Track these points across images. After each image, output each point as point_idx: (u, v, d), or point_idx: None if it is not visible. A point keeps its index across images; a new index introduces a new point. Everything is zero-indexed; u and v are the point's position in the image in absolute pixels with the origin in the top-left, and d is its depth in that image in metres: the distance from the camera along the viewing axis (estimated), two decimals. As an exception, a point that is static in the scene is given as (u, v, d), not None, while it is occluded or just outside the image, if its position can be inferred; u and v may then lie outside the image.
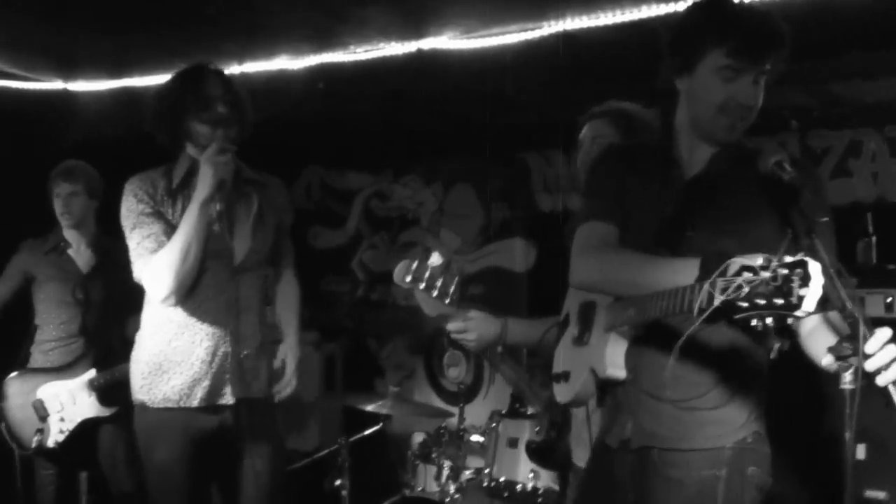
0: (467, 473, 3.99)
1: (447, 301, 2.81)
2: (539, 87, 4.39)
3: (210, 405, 2.93)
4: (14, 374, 4.10)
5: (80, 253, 4.21)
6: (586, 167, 2.87)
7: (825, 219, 1.97)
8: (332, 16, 4.21)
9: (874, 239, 3.82)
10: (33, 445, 3.98)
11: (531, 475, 3.68)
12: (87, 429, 4.05)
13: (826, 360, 1.86)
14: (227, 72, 3.12)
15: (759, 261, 1.66)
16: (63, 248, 4.18)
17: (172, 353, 2.95)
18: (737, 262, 1.71)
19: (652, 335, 2.16)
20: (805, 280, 1.60)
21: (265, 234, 3.10)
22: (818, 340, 1.96)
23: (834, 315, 1.92)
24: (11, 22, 4.36)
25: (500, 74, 4.32)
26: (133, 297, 3.18)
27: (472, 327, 2.87)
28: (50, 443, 3.99)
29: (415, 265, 2.80)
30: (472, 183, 5.66)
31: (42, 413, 4.00)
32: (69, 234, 4.21)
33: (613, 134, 2.87)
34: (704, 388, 2.16)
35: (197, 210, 2.86)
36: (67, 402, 4.03)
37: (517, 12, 4.05)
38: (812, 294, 1.60)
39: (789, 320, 1.65)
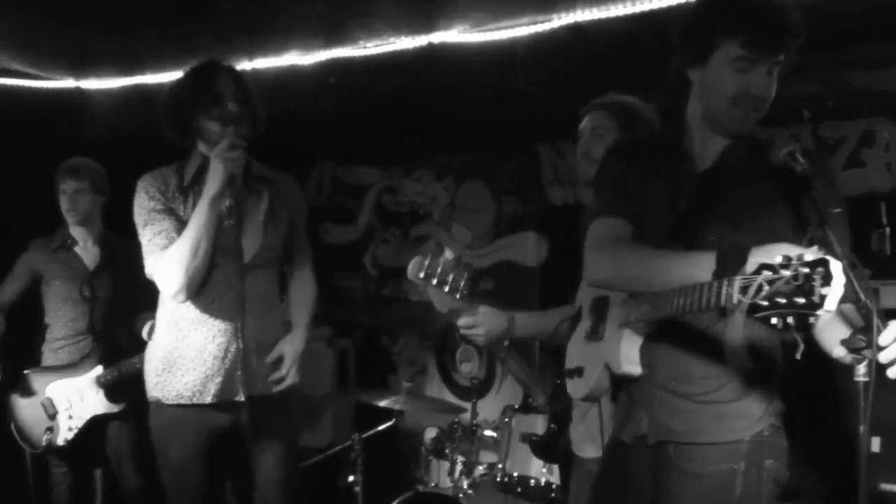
0: (480, 469, 4.00)
1: (457, 296, 2.83)
2: (550, 79, 4.38)
3: (223, 402, 2.94)
4: (23, 373, 4.12)
5: (86, 250, 4.23)
6: (586, 158, 2.90)
7: (838, 210, 1.95)
8: (342, 11, 4.21)
9: (888, 230, 3.79)
10: (43, 444, 4.00)
11: (544, 470, 3.68)
12: (97, 426, 4.07)
13: (838, 352, 1.84)
14: (237, 68, 3.12)
15: (778, 259, 1.64)
16: (70, 245, 4.20)
17: (185, 350, 2.96)
18: (756, 259, 1.70)
19: (667, 330, 2.15)
20: (827, 279, 1.59)
21: (277, 231, 3.09)
22: (831, 332, 1.95)
23: (848, 307, 1.90)
24: (23, 21, 4.37)
25: (510, 68, 4.30)
26: (141, 294, 3.20)
27: (480, 322, 2.89)
28: (60, 441, 4.02)
29: (427, 261, 2.84)
30: (483, 177, 5.65)
31: (51, 411, 4.02)
32: (75, 231, 4.22)
33: (613, 126, 2.89)
34: (722, 381, 2.15)
35: (207, 206, 2.86)
36: (75, 399, 4.05)
37: (527, 5, 4.03)
38: (834, 293, 1.59)
39: (810, 319, 1.63)
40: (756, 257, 1.80)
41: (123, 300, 4.16)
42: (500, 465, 3.93)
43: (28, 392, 4.10)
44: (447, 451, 4.12)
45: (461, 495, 3.92)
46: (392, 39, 4.47)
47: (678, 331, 2.14)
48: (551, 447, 3.04)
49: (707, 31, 2.12)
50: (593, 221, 2.31)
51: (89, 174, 4.18)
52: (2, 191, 4.80)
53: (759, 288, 1.65)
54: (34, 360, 4.18)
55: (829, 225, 1.85)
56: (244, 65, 4.61)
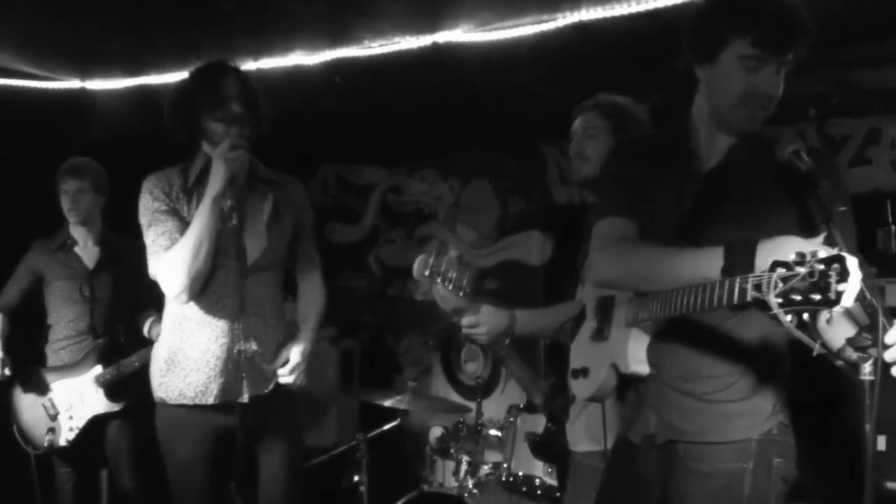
0: (485, 468, 4.00)
1: (461, 294, 2.85)
2: (555, 78, 4.37)
3: (226, 402, 2.94)
4: (24, 374, 4.12)
5: (86, 250, 4.23)
6: (578, 158, 2.92)
7: (843, 208, 1.95)
8: (346, 11, 4.21)
9: (894, 227, 3.78)
10: (45, 445, 4.01)
11: (549, 470, 3.67)
12: (98, 425, 4.08)
13: (842, 351, 1.84)
14: (243, 68, 3.12)
15: (792, 256, 1.64)
16: (70, 245, 4.21)
17: (189, 350, 2.96)
18: (768, 255, 1.70)
19: (675, 329, 2.15)
20: (843, 275, 1.59)
21: (281, 234, 3.09)
22: (836, 331, 1.94)
23: (853, 305, 1.89)
24: (29, 22, 4.38)
25: (515, 67, 4.30)
26: (144, 293, 3.20)
27: (482, 321, 2.91)
28: (62, 441, 4.03)
29: (431, 259, 2.89)
30: (488, 176, 5.65)
31: (52, 412, 4.03)
32: (76, 231, 4.23)
33: (605, 126, 2.93)
34: (731, 379, 2.14)
35: (209, 206, 2.86)
36: (76, 399, 4.06)
37: (532, 4, 4.03)
38: (851, 289, 1.59)
39: (826, 315, 1.63)
40: (764, 252, 1.80)
41: (124, 299, 4.17)
42: (505, 465, 3.92)
43: (28, 393, 4.11)
44: (452, 450, 4.12)
45: (466, 495, 3.92)
46: (397, 39, 4.47)
47: (687, 329, 2.13)
48: (549, 447, 3.05)
49: (716, 28, 2.11)
50: (598, 221, 2.30)
51: (90, 174, 4.19)
52: (7, 191, 4.81)
53: (774, 285, 1.64)
54: (38, 361, 4.18)
55: (835, 223, 1.84)
56: (249, 65, 4.62)
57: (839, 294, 1.58)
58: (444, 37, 4.36)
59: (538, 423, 3.64)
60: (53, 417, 4.03)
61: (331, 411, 5.50)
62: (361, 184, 6.13)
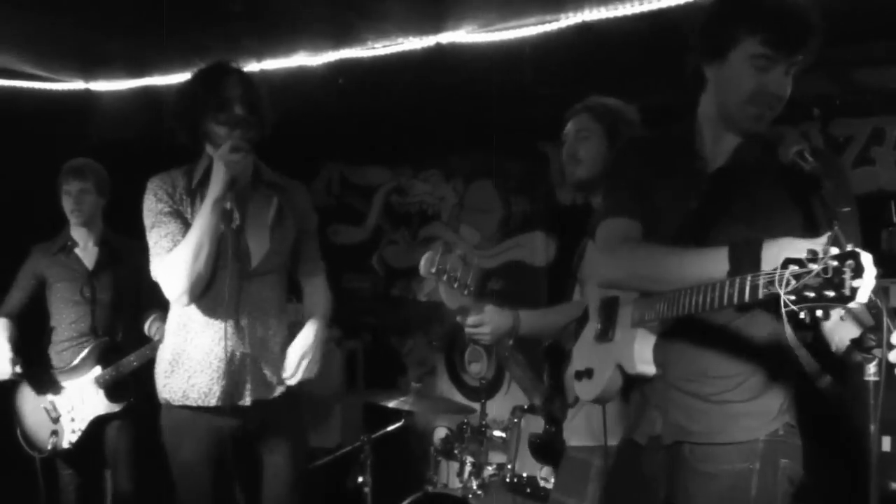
0: (490, 469, 4.00)
1: (465, 292, 2.86)
2: (558, 79, 4.37)
3: (229, 405, 2.93)
4: (34, 375, 4.13)
5: (87, 251, 4.23)
6: (571, 160, 2.93)
7: (848, 209, 1.94)
8: (350, 12, 4.21)
9: (898, 228, 3.78)
10: (49, 448, 4.01)
11: (544, 478, 3.68)
12: (101, 426, 4.07)
13: (846, 351, 1.84)
14: (246, 69, 3.11)
15: (804, 253, 1.64)
16: (70, 247, 4.21)
17: (193, 352, 2.96)
18: (775, 253, 1.70)
19: (682, 329, 2.14)
20: (858, 271, 1.58)
21: (284, 237, 3.09)
22: (841, 331, 1.94)
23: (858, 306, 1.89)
24: (34, 24, 4.39)
25: (518, 67, 4.30)
26: (145, 293, 3.20)
27: (486, 321, 2.92)
28: (65, 443, 4.02)
29: (438, 257, 2.90)
30: (491, 177, 5.65)
31: (54, 415, 4.03)
32: (77, 233, 4.23)
33: (597, 128, 2.93)
34: (737, 380, 2.14)
35: (209, 208, 2.86)
36: (77, 401, 4.06)
37: (535, 4, 4.03)
38: (866, 285, 1.59)
39: (842, 312, 1.62)
40: (769, 252, 1.80)
41: (125, 300, 4.17)
42: (509, 466, 3.93)
43: (28, 398, 4.11)
44: (456, 451, 4.12)
45: (470, 496, 3.92)
46: (400, 40, 4.48)
47: (693, 329, 2.13)
48: (548, 448, 3.05)
49: (727, 27, 2.11)
50: (602, 222, 2.30)
51: (93, 175, 4.19)
52: (11, 191, 4.82)
53: (787, 283, 1.64)
54: (43, 364, 4.18)
55: (840, 224, 1.83)
56: (253, 66, 4.63)
57: (854, 290, 1.58)
58: (447, 38, 4.37)
59: (542, 424, 3.65)
60: (56, 420, 4.03)
61: (335, 412, 5.50)
62: (365, 185, 6.13)
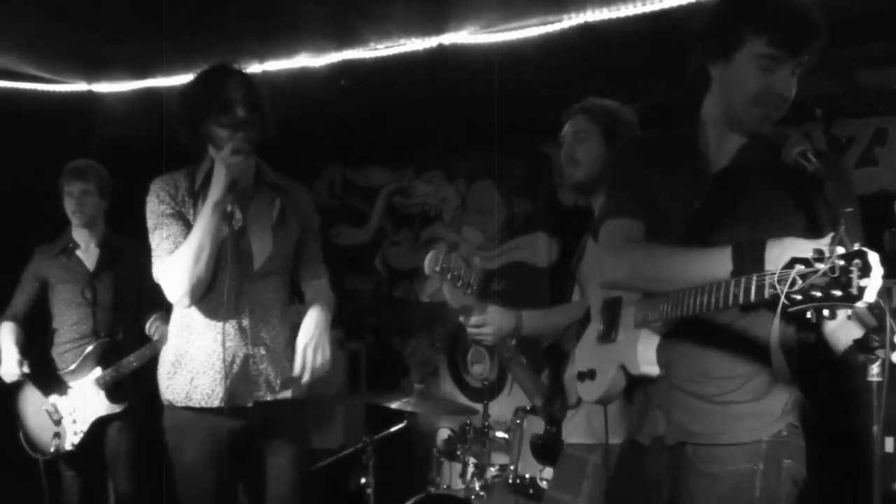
0: (492, 470, 4.00)
1: (468, 292, 2.87)
2: (560, 80, 4.37)
3: (232, 406, 2.94)
4: (41, 376, 4.13)
5: (89, 252, 4.23)
6: (569, 162, 2.94)
7: (850, 209, 1.93)
8: (352, 13, 4.22)
9: (901, 228, 3.77)
10: (51, 450, 4.01)
11: (543, 479, 3.68)
12: (103, 427, 4.08)
13: (851, 352, 1.83)
14: (248, 71, 3.11)
15: (808, 253, 1.64)
16: (72, 249, 4.21)
17: (195, 353, 2.96)
18: (774, 253, 1.69)
19: (685, 330, 2.13)
20: (865, 270, 1.58)
21: (287, 239, 3.08)
22: (844, 333, 1.93)
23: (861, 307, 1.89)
24: (37, 26, 4.40)
25: (521, 68, 4.30)
26: (147, 294, 3.20)
27: (489, 321, 2.92)
28: (67, 445, 4.03)
29: (442, 255, 2.92)
30: (493, 178, 5.65)
31: (55, 417, 4.03)
32: (78, 234, 4.23)
33: (594, 129, 2.95)
34: (741, 380, 2.13)
35: (210, 211, 2.86)
36: (78, 403, 4.07)
37: (537, 5, 4.03)
38: (873, 284, 1.59)
39: (849, 311, 1.62)
40: (772, 252, 1.80)
41: (127, 301, 4.17)
42: (512, 467, 3.93)
43: (30, 400, 4.12)
44: (459, 452, 4.12)
45: (473, 497, 3.92)
46: (402, 41, 4.48)
47: (697, 330, 2.12)
48: (549, 449, 3.05)
49: (733, 26, 2.10)
50: (605, 222, 2.29)
51: (95, 176, 4.19)
52: (13, 193, 4.82)
53: (793, 282, 1.64)
54: (46, 366, 4.18)
55: (843, 224, 1.83)
56: (255, 67, 4.63)
57: (861, 289, 1.58)
58: (449, 39, 4.37)
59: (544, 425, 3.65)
60: (58, 422, 4.03)
61: (337, 413, 5.50)
62: (367, 186, 6.13)
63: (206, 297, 2.94)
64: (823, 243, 1.69)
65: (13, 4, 4.10)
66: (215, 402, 2.93)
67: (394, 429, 4.47)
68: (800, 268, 1.64)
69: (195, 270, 2.86)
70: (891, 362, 1.75)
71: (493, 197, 5.66)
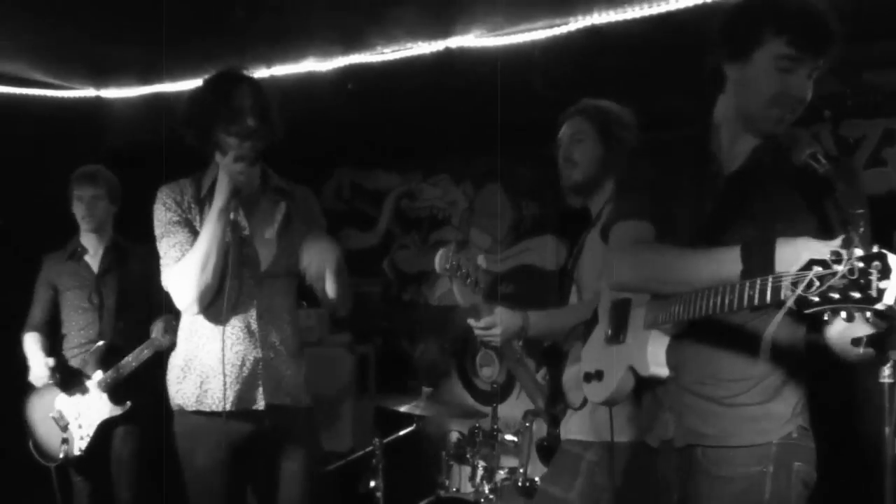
0: (502, 473, 3.99)
1: (476, 290, 2.92)
2: (567, 82, 4.37)
3: (242, 410, 2.94)
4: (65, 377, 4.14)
5: (96, 258, 4.25)
6: (567, 164, 2.94)
7: (861, 210, 1.93)
8: (359, 17, 4.22)
9: (910, 229, 3.75)
10: (60, 456, 4.03)
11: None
12: (109, 430, 4.09)
13: (857, 352, 1.83)
14: (256, 76, 3.11)
15: (816, 253, 1.64)
16: (80, 253, 4.23)
17: (205, 358, 2.97)
18: (784, 254, 1.67)
19: (696, 332, 2.13)
20: (885, 272, 1.58)
21: (292, 242, 3.08)
22: (855, 334, 1.92)
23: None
24: (45, 32, 4.41)
25: (528, 71, 4.30)
26: (155, 298, 3.21)
27: (496, 322, 2.93)
28: (76, 451, 4.05)
29: (452, 254, 2.94)
30: (501, 181, 5.65)
31: (62, 423, 4.05)
32: (87, 239, 4.24)
33: (591, 131, 2.97)
34: (751, 382, 2.13)
35: (215, 218, 2.88)
36: (83, 407, 4.08)
37: (544, 8, 4.03)
38: (893, 286, 1.58)
39: (867, 314, 1.62)
40: (783, 253, 1.79)
41: (130, 304, 4.18)
42: (521, 470, 3.92)
43: (37, 409, 4.13)
44: (468, 455, 4.11)
45: (483, 500, 3.91)
46: (409, 45, 4.48)
47: (707, 332, 2.11)
48: (554, 451, 3.05)
49: (753, 26, 2.09)
50: (616, 224, 2.29)
51: (105, 182, 4.21)
52: (22, 198, 4.84)
53: (810, 284, 1.63)
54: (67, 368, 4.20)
55: (853, 226, 1.83)
56: (262, 72, 4.64)
57: (881, 291, 1.57)
58: (456, 42, 4.38)
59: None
60: (65, 428, 4.04)
61: (346, 417, 5.50)
62: (375, 189, 6.13)
63: (215, 301, 2.95)
64: (834, 244, 1.68)
65: (22, 12, 4.12)
66: (226, 406, 2.93)
67: (403, 432, 4.47)
68: (817, 269, 1.63)
69: (202, 278, 2.87)
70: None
71: (501, 200, 5.65)
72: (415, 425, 4.46)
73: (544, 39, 4.18)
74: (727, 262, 1.90)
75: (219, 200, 2.89)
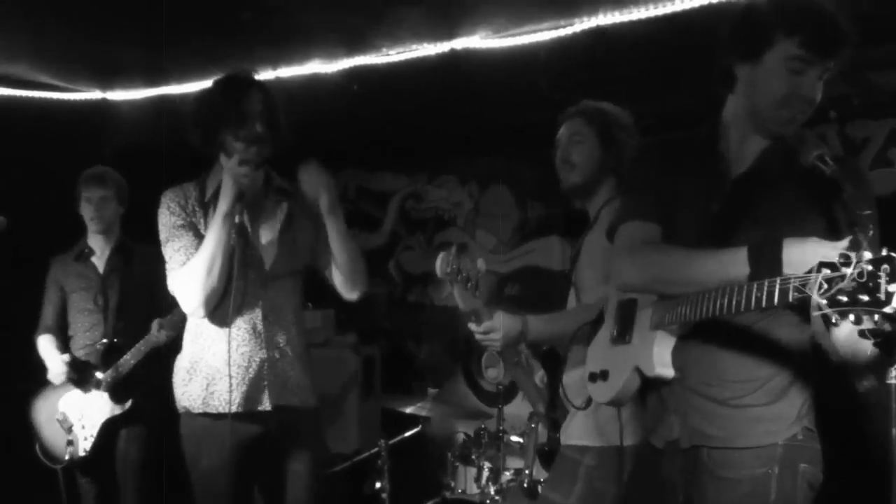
0: (507, 474, 3.98)
1: (476, 295, 2.90)
2: (573, 83, 4.37)
3: (249, 411, 2.94)
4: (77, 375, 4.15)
5: (103, 259, 4.26)
6: (565, 165, 2.94)
7: (868, 211, 1.93)
8: (364, 19, 4.22)
9: (917, 230, 3.74)
10: (66, 458, 4.03)
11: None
12: (113, 430, 4.09)
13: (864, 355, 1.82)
14: (261, 77, 3.11)
15: (832, 255, 1.63)
16: (87, 255, 4.23)
17: (211, 360, 2.97)
18: (793, 254, 1.66)
19: (702, 332, 2.12)
20: (894, 276, 1.57)
21: (295, 241, 3.09)
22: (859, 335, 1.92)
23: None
24: (51, 34, 4.42)
25: (533, 72, 4.30)
26: (161, 299, 3.22)
27: (496, 327, 2.92)
28: (81, 452, 4.05)
29: (452, 258, 2.91)
30: (507, 182, 5.65)
31: (66, 425, 4.05)
32: (94, 240, 4.25)
33: (590, 132, 2.97)
34: (756, 384, 2.12)
35: (220, 222, 2.88)
36: (85, 408, 4.09)
37: (549, 9, 4.03)
38: None
39: (875, 317, 1.61)
40: (790, 252, 1.79)
41: (134, 304, 4.18)
42: (526, 471, 3.91)
43: (42, 412, 4.15)
44: (474, 457, 4.11)
45: (488, 501, 3.91)
46: (414, 47, 4.49)
47: (713, 333, 2.11)
48: (553, 455, 3.05)
49: (765, 26, 2.08)
50: (622, 225, 2.29)
51: (114, 183, 4.22)
52: (28, 200, 4.85)
53: (819, 286, 1.63)
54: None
55: (860, 227, 1.82)
56: (268, 74, 4.64)
57: (890, 295, 1.57)
58: (461, 43, 4.37)
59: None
60: (69, 430, 4.05)
61: (352, 418, 5.51)
62: (380, 191, 6.14)
63: (221, 303, 2.95)
64: (842, 246, 1.68)
65: (27, 14, 4.13)
66: (233, 408, 2.93)
67: (409, 433, 4.47)
68: (826, 272, 1.63)
69: (208, 281, 2.88)
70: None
71: (506, 201, 5.65)
72: (420, 426, 4.46)
73: (549, 41, 4.18)
74: (734, 264, 1.90)
75: (223, 204, 2.89)
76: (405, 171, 6.03)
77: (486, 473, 4.01)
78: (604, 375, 2.38)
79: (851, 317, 1.62)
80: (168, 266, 2.99)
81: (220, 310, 2.96)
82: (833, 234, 1.92)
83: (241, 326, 2.96)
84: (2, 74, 4.85)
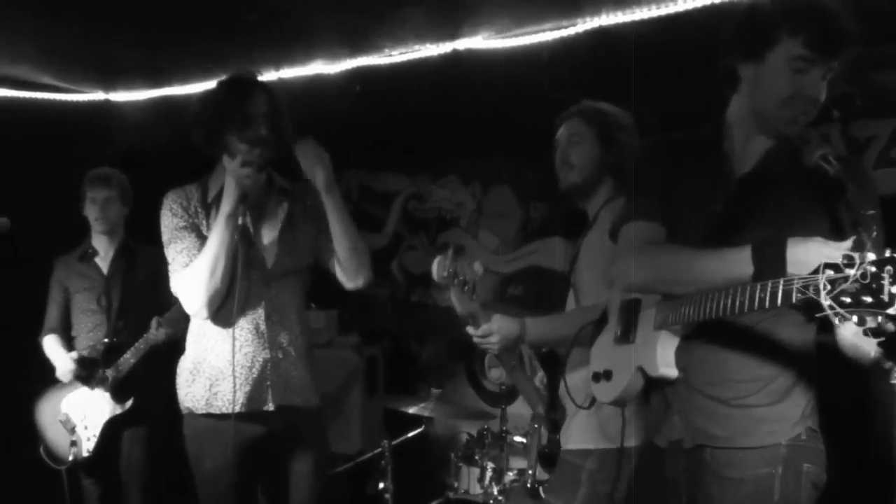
0: (510, 475, 3.99)
1: (473, 297, 2.89)
2: (575, 84, 4.37)
3: (252, 411, 2.95)
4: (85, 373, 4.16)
5: (106, 259, 4.26)
6: (564, 166, 2.94)
7: (872, 211, 1.93)
8: (367, 20, 4.23)
9: (921, 229, 3.74)
10: (70, 459, 4.04)
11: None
12: (116, 430, 4.10)
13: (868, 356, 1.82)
14: (264, 78, 3.11)
15: (835, 255, 1.64)
16: (91, 255, 4.24)
17: (214, 360, 2.97)
18: (797, 254, 1.67)
19: (705, 333, 2.12)
20: None
21: (296, 241, 3.09)
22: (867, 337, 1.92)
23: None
24: (54, 36, 4.43)
25: (535, 73, 4.30)
26: (165, 299, 3.22)
27: (494, 329, 2.91)
28: (84, 452, 4.06)
29: (448, 261, 2.92)
30: (510, 182, 5.65)
31: (69, 426, 4.06)
32: (98, 241, 4.26)
33: (589, 133, 2.97)
34: (760, 384, 2.12)
35: (223, 224, 2.89)
36: (88, 408, 4.09)
37: (552, 10, 4.03)
38: None
39: (879, 318, 1.61)
40: (794, 252, 1.79)
41: (137, 305, 4.18)
42: (530, 472, 3.91)
43: (45, 413, 4.15)
44: (477, 457, 4.11)
45: (491, 502, 3.91)
46: (417, 47, 4.49)
47: (717, 333, 2.11)
48: (554, 458, 3.04)
49: (768, 27, 2.09)
50: (625, 225, 2.29)
51: (118, 184, 4.23)
52: (32, 201, 4.86)
53: (822, 287, 1.63)
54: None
55: (864, 227, 1.82)
56: (271, 75, 4.65)
57: (893, 296, 1.57)
58: (464, 44, 4.38)
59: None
60: (72, 431, 4.06)
61: (355, 418, 5.51)
62: (383, 191, 6.14)
63: (224, 304, 2.95)
64: (845, 246, 1.68)
65: (31, 15, 4.13)
66: (236, 408, 2.94)
67: (412, 434, 4.47)
68: (829, 273, 1.63)
69: (211, 283, 2.88)
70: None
71: (509, 201, 5.65)
72: (423, 427, 4.45)
73: (552, 41, 4.18)
74: (738, 263, 1.90)
75: (226, 206, 2.90)
76: (408, 171, 6.03)
77: (489, 474, 4.01)
78: (607, 375, 2.38)
79: (855, 318, 1.62)
80: (171, 267, 2.99)
81: (223, 311, 2.96)
82: (837, 234, 1.92)
83: (245, 327, 2.97)
84: (5, 75, 4.86)
